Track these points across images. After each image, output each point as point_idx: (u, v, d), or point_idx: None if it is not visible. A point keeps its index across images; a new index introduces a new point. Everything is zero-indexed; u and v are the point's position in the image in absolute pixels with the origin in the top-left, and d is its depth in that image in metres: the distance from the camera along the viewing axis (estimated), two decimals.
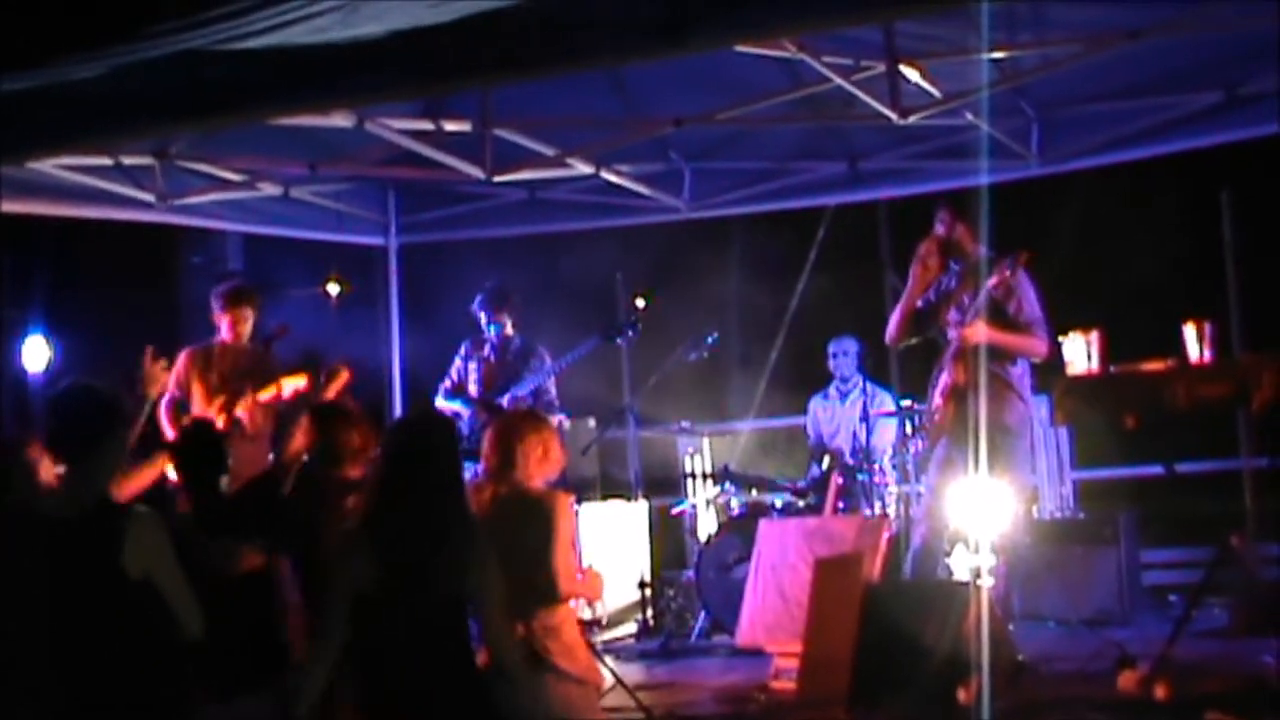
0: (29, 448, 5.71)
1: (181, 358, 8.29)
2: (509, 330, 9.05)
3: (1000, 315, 7.46)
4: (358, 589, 4.71)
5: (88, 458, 4.70)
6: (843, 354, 9.42)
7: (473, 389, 9.00)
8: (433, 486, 4.85)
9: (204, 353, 8.31)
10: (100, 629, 4.50)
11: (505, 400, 8.76)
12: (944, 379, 7.64)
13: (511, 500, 5.79)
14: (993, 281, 7.28)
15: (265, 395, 7.96)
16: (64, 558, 4.49)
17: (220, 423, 7.90)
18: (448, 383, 9.18)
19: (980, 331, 7.31)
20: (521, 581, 5.37)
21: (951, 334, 7.74)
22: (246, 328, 8.30)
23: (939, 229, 7.78)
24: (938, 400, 7.72)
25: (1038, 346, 7.34)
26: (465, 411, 8.82)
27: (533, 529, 5.69)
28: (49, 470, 5.70)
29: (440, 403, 9.06)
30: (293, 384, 7.96)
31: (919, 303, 7.72)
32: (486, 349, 9.09)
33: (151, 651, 4.56)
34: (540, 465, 5.91)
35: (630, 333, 9.09)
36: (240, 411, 7.95)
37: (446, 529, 4.79)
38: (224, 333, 8.31)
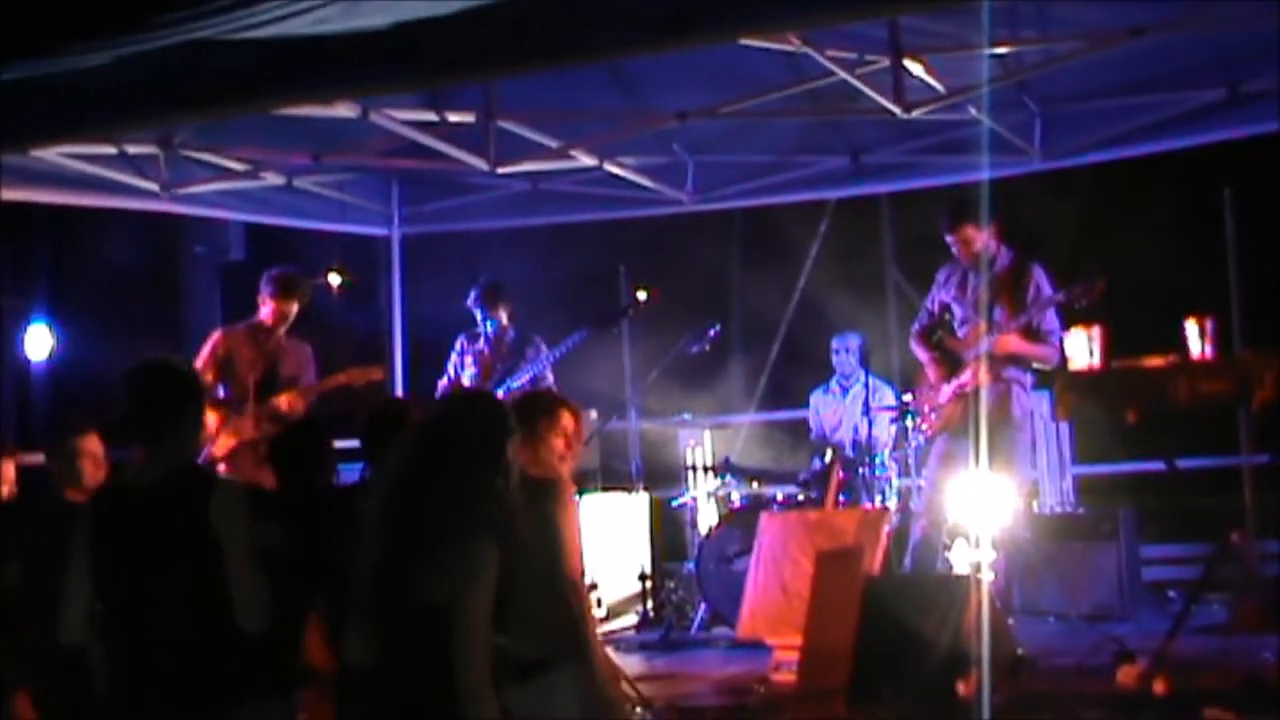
0: (82, 437, 5.70)
1: (218, 339, 8.34)
2: (504, 323, 9.04)
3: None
4: None
5: (169, 434, 4.46)
6: (845, 350, 9.39)
7: (468, 383, 8.98)
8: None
9: (246, 332, 8.39)
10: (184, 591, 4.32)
11: (501, 393, 8.74)
12: (962, 377, 7.73)
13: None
14: (1060, 300, 7.47)
15: (333, 382, 7.99)
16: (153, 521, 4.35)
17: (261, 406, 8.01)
18: (444, 380, 9.17)
19: (1012, 342, 7.54)
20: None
21: (963, 332, 7.83)
22: (289, 320, 8.34)
23: (956, 248, 7.88)
24: (948, 394, 7.79)
25: (1052, 355, 7.56)
26: None
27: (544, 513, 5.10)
28: (97, 460, 5.70)
29: None
30: (365, 374, 8.02)
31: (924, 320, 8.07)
32: (481, 342, 9.08)
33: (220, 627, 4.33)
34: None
35: (623, 320, 9.08)
36: (282, 399, 7.99)
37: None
38: (265, 316, 8.35)
